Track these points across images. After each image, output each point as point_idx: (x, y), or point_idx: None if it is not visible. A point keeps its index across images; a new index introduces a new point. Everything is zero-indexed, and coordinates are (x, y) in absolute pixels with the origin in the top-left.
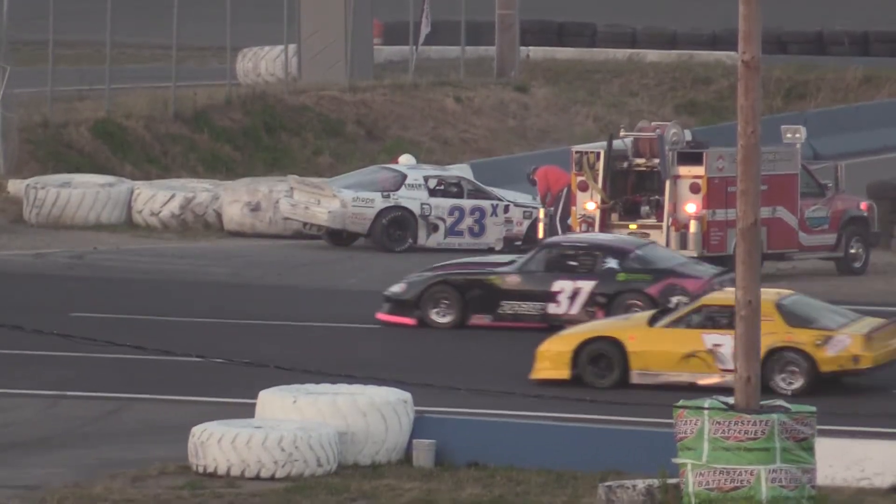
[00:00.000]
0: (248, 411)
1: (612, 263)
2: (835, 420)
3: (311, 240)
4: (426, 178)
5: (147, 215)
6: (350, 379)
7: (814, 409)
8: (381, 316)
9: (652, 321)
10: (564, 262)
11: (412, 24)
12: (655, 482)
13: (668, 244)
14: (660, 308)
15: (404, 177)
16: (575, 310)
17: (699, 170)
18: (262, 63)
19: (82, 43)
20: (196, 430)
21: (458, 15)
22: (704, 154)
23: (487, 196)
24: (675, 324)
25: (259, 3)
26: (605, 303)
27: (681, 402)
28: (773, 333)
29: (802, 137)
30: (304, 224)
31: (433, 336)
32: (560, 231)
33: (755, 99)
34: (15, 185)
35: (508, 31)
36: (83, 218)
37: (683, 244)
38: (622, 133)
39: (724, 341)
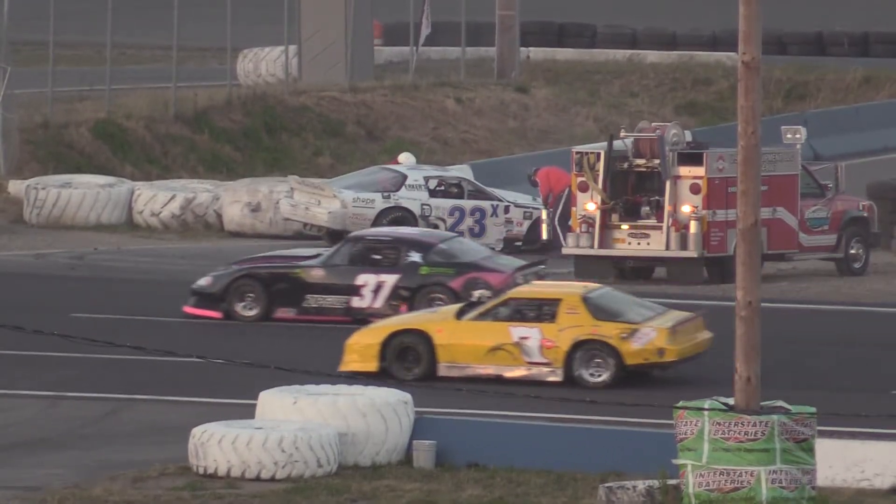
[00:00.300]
0: (248, 412)
1: (415, 257)
2: (835, 421)
3: (312, 240)
4: (426, 179)
5: (147, 216)
6: (350, 380)
7: (814, 409)
8: (188, 309)
9: (459, 314)
10: (368, 255)
11: (412, 25)
12: (655, 483)
13: (668, 245)
14: (466, 302)
15: (405, 177)
16: (378, 303)
17: (699, 170)
18: (263, 64)
19: (83, 44)
20: (196, 431)
21: (459, 16)
22: (705, 155)
23: (488, 196)
24: (482, 317)
25: (259, 4)
26: (409, 296)
27: (681, 403)
28: (580, 326)
29: (803, 138)
30: (305, 225)
31: None
32: (560, 232)
33: (755, 100)
34: (15, 186)
35: (509, 31)
36: (83, 218)
37: (684, 244)
38: (622, 134)
39: (530, 334)
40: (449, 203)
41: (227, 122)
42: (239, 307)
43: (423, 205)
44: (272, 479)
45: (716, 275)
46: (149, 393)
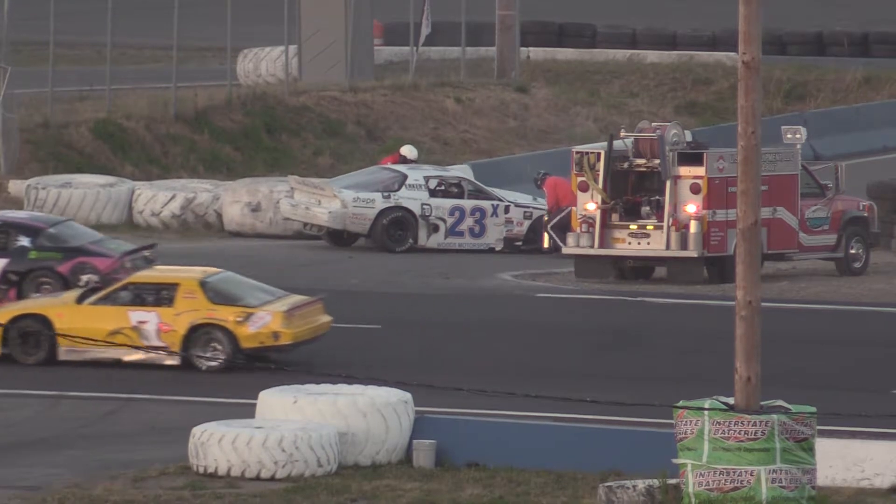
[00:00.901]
0: (248, 412)
1: (24, 241)
2: (835, 420)
3: (312, 240)
4: (427, 179)
5: (148, 215)
6: (350, 379)
7: (814, 409)
8: None
9: (80, 299)
10: None
11: (412, 25)
12: (655, 482)
13: (668, 244)
14: (83, 287)
15: (405, 177)
16: None
17: (699, 170)
18: (263, 64)
19: (83, 43)
20: (196, 431)
21: (459, 15)
22: (705, 154)
23: (488, 196)
24: (102, 301)
25: (260, 4)
26: (18, 281)
27: (681, 403)
28: (196, 310)
29: (803, 138)
30: (305, 224)
31: (435, 336)
32: (555, 237)
33: (755, 100)
34: (16, 186)
35: (509, 31)
36: (84, 218)
37: (684, 244)
38: (623, 133)
39: (148, 318)
40: (449, 203)
41: (227, 121)
42: None
43: (423, 204)
44: (272, 479)
45: (716, 274)
46: (149, 393)
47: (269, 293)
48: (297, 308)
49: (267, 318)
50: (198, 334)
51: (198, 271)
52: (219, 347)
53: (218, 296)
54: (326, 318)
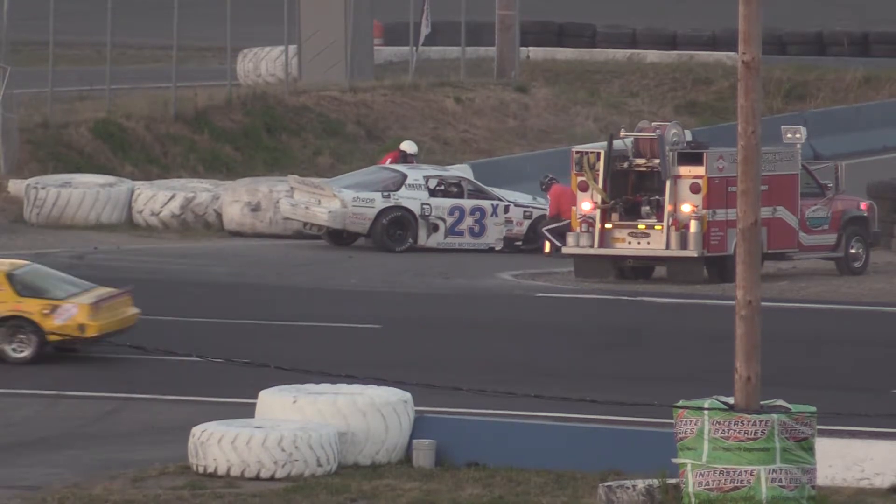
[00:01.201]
0: (248, 411)
1: None
2: (835, 420)
3: (312, 240)
4: (426, 179)
5: (147, 215)
6: (350, 379)
7: (814, 409)
8: None
9: None
10: None
11: (412, 25)
12: (655, 482)
13: (668, 244)
14: None
15: (405, 177)
16: None
17: (699, 170)
18: (263, 64)
19: (82, 43)
20: (196, 431)
21: (458, 15)
22: (704, 154)
23: (488, 196)
24: None
25: (259, 4)
26: None
27: (681, 402)
28: (3, 303)
29: (803, 137)
30: (305, 224)
31: (435, 336)
32: (549, 237)
33: (755, 99)
34: (15, 185)
35: (508, 31)
36: (83, 218)
37: (684, 244)
38: (622, 133)
39: None
40: (449, 202)
41: (227, 121)
42: None
43: (423, 204)
44: (272, 479)
45: (716, 274)
46: (149, 392)
47: (76, 286)
48: (103, 300)
49: (73, 311)
50: (4, 327)
51: (5, 264)
52: (25, 340)
53: (25, 288)
54: (134, 311)
